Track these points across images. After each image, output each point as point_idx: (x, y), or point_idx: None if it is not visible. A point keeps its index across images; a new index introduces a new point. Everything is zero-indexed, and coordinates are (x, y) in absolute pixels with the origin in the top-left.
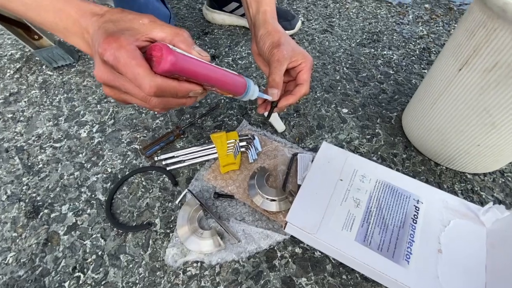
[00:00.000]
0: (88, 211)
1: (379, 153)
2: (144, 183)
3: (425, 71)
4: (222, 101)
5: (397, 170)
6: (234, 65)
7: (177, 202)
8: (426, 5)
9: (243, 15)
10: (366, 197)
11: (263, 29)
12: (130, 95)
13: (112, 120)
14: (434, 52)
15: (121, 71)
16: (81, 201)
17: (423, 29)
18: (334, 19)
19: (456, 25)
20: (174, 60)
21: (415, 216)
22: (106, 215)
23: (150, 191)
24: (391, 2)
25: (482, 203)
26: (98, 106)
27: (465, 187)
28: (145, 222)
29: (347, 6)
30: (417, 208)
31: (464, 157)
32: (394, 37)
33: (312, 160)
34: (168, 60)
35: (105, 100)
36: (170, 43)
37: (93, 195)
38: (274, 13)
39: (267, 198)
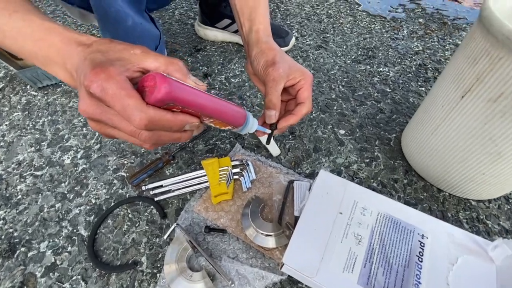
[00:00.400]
0: (69, 248)
1: (379, 178)
2: (130, 215)
3: (422, 88)
4: None
5: (399, 197)
6: (227, 84)
7: (165, 237)
8: (420, 20)
9: (236, 32)
10: (367, 233)
11: (256, 48)
12: (118, 130)
13: (98, 145)
14: (430, 68)
15: (109, 103)
16: (61, 237)
17: (418, 45)
18: (328, 35)
19: (450, 40)
20: (169, 88)
21: (421, 254)
22: (88, 254)
23: (137, 225)
24: (385, 16)
25: (488, 232)
26: (84, 129)
27: (470, 216)
28: (130, 261)
29: (341, 21)
30: (422, 244)
31: (468, 184)
32: (390, 53)
33: (310, 188)
34: (162, 88)
35: None
36: (164, 72)
37: (75, 230)
38: (268, 31)
39: (262, 233)
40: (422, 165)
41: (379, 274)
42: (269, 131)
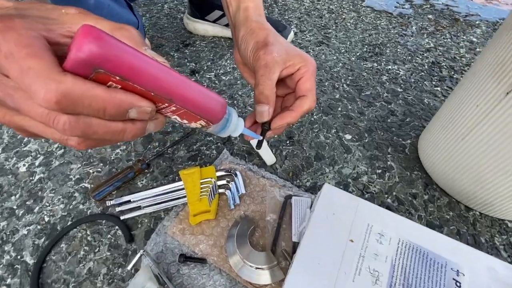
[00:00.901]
0: (8, 281)
1: (394, 193)
2: (89, 238)
3: (438, 88)
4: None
5: (419, 216)
6: (216, 81)
7: (129, 267)
8: (430, 16)
9: (227, 25)
10: (387, 268)
11: (244, 28)
12: (23, 114)
13: (62, 150)
14: (444, 66)
15: (3, 67)
16: (1, 266)
17: (430, 41)
18: (330, 30)
19: (464, 37)
20: (98, 44)
21: None
22: None
23: (96, 250)
24: (391, 12)
25: None
26: None
27: (507, 241)
28: None
29: (343, 17)
30: (458, 284)
31: (507, 202)
32: (398, 49)
33: (311, 206)
34: (86, 42)
35: None
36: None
37: (19, 256)
38: (260, 9)
39: (250, 265)
40: (446, 178)
41: None
42: (259, 137)
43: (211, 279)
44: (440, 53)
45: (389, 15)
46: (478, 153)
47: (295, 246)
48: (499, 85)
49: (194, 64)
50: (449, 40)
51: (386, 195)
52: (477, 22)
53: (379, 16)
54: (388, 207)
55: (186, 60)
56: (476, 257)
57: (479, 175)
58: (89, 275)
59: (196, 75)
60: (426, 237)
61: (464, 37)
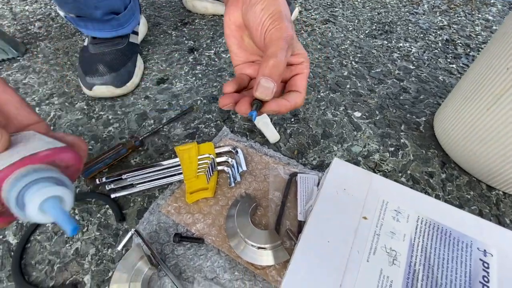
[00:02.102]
0: None
1: (409, 172)
2: (77, 217)
3: (453, 65)
4: (198, 102)
5: (437, 196)
6: (216, 59)
7: (119, 248)
8: None
9: None
10: (405, 247)
11: None
12: None
13: (52, 127)
14: (460, 44)
15: None
16: None
17: (443, 19)
18: (336, 9)
19: (479, 15)
20: None
21: (485, 279)
22: (11, 270)
23: (84, 230)
24: None
25: None
26: (37, 109)
27: None
28: (67, 282)
29: None
30: (486, 264)
31: None
32: (410, 27)
33: (319, 183)
34: None
35: (47, 101)
36: None
37: (0, 236)
38: None
39: (252, 245)
40: (466, 155)
41: None
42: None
43: (208, 260)
44: (454, 30)
45: None
46: (506, 123)
47: (301, 225)
48: None
49: (192, 42)
50: (463, 18)
51: (400, 174)
52: (492, 1)
53: None
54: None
55: (184, 38)
56: (505, 236)
57: (505, 149)
58: (76, 255)
59: (195, 52)
60: (448, 215)
61: (479, 15)
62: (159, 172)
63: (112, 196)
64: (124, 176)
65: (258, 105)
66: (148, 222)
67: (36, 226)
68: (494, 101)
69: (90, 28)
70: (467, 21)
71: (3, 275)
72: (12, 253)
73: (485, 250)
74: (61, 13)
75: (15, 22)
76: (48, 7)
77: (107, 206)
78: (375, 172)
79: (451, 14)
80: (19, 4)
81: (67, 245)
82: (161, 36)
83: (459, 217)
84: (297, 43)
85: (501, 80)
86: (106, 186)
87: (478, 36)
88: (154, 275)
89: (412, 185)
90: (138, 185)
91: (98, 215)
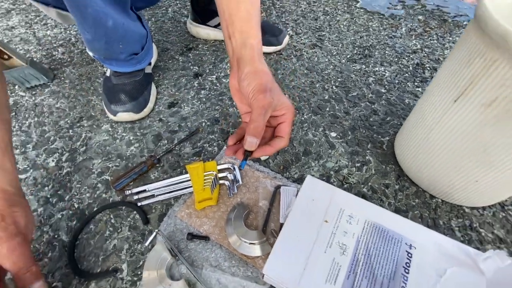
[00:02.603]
0: (49, 254)
1: (369, 183)
2: (112, 221)
3: (419, 89)
4: (203, 124)
5: (389, 203)
6: (217, 84)
7: (146, 244)
8: (420, 17)
9: None
10: (353, 242)
11: (249, 66)
12: None
13: (84, 147)
14: (428, 68)
15: None
16: (42, 243)
17: (417, 43)
18: (324, 33)
19: (450, 38)
20: None
21: (407, 265)
22: (68, 260)
23: (119, 231)
24: (383, 14)
25: (481, 241)
26: (70, 131)
27: (462, 223)
28: (110, 268)
29: (337, 19)
30: (409, 255)
31: (461, 192)
32: (387, 51)
33: (297, 195)
34: None
35: (78, 124)
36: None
37: (56, 236)
38: (261, 48)
39: (245, 242)
40: (414, 171)
41: (363, 286)
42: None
43: (213, 253)
44: (425, 54)
45: (381, 16)
46: (436, 150)
47: (281, 226)
48: (451, 92)
49: (197, 68)
50: (435, 41)
51: (362, 185)
52: (464, 23)
53: (371, 17)
54: (364, 196)
55: (190, 64)
56: (427, 235)
57: (438, 169)
58: (114, 250)
59: (199, 78)
60: (389, 219)
61: (450, 38)
62: (174, 185)
63: (139, 204)
64: (147, 189)
65: (248, 154)
66: (167, 225)
67: (82, 228)
68: (429, 131)
69: (114, 65)
70: (438, 44)
71: (62, 264)
72: (66, 249)
73: (410, 244)
74: (91, 54)
75: (40, 48)
76: (68, 32)
77: (135, 212)
78: (343, 184)
79: (425, 37)
80: (41, 29)
81: (107, 242)
82: (169, 61)
83: (395, 220)
84: (280, 99)
85: (432, 116)
86: (133, 196)
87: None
88: (174, 263)
89: (371, 194)
90: (158, 196)
91: (128, 219)
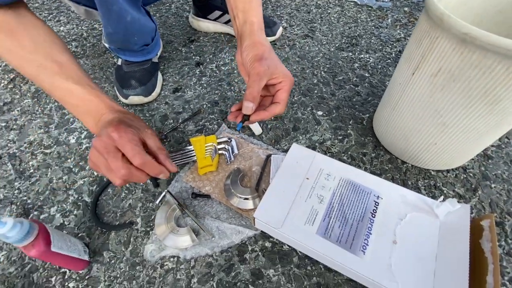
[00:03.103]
0: (75, 212)
1: (349, 153)
2: (127, 185)
3: None
4: (204, 106)
5: (365, 169)
6: (217, 71)
7: (157, 202)
8: (406, 9)
9: (226, 23)
10: (329, 194)
11: (248, 40)
12: (106, 163)
13: None
14: None
15: (119, 144)
16: (68, 203)
17: (401, 32)
18: (315, 24)
19: None
20: None
21: (374, 211)
22: (91, 216)
23: (133, 193)
24: (371, 6)
25: (443, 198)
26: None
27: (428, 183)
28: (127, 221)
29: (329, 11)
30: (376, 203)
31: (425, 155)
32: (372, 40)
33: None
34: None
35: None
36: (152, 148)
37: (80, 197)
38: (261, 25)
39: (240, 197)
40: (388, 140)
41: (336, 227)
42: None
43: (213, 208)
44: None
45: (370, 8)
46: (402, 118)
47: None
48: (409, 68)
49: (198, 57)
50: None
51: (343, 154)
52: None
53: (360, 10)
54: (343, 162)
55: (192, 54)
56: (393, 188)
57: (405, 135)
58: (130, 207)
59: (201, 66)
60: (360, 176)
61: None
62: (180, 156)
63: None
64: None
65: (246, 118)
66: (175, 187)
67: (102, 191)
68: (395, 103)
69: (127, 55)
70: None
71: (86, 219)
72: (89, 207)
73: (378, 196)
74: (106, 45)
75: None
76: (80, 27)
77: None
78: (326, 153)
79: (409, 27)
80: (55, 25)
81: (123, 201)
82: (173, 52)
83: (367, 178)
84: (277, 67)
85: (397, 90)
86: None
87: None
88: (180, 216)
89: (350, 161)
90: None
91: (141, 184)
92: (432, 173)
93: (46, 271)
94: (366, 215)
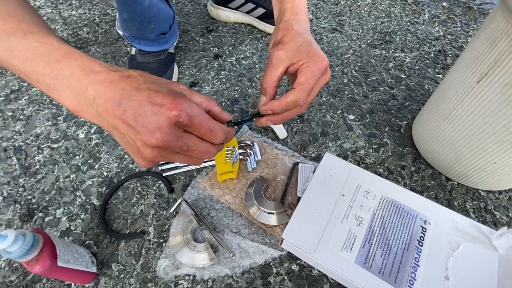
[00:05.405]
0: (82, 216)
1: (386, 164)
2: (139, 188)
3: (440, 76)
4: (223, 104)
5: (405, 184)
6: (237, 65)
7: (171, 210)
8: (444, 3)
9: (248, 12)
10: (369, 215)
11: (277, 27)
12: (183, 154)
13: None
14: (450, 55)
15: (195, 128)
16: (75, 206)
17: (440, 30)
18: (344, 17)
19: (475, 26)
20: None
21: (422, 238)
22: (99, 221)
23: (145, 198)
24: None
25: (495, 223)
26: None
27: (477, 205)
28: (138, 230)
29: (358, 4)
30: (424, 229)
31: (478, 173)
32: (408, 38)
33: (314, 171)
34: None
35: None
36: (206, 106)
37: (87, 200)
38: (295, 10)
39: (264, 211)
40: (431, 153)
41: (378, 255)
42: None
43: (233, 221)
44: (448, 41)
45: (404, 2)
46: (456, 130)
47: (299, 200)
48: (474, 74)
49: (217, 49)
50: (459, 28)
51: (379, 166)
52: (490, 10)
53: (393, 3)
54: (380, 176)
55: (210, 45)
56: (442, 211)
57: (457, 149)
58: (141, 214)
59: (219, 59)
60: (404, 196)
61: (475, 25)
62: None
63: (164, 174)
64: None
65: (257, 112)
66: (191, 194)
67: (112, 193)
68: (448, 113)
69: (142, 44)
70: (461, 32)
71: (93, 225)
72: (97, 211)
73: (425, 220)
74: (120, 32)
75: (66, 27)
76: (92, 12)
77: (160, 181)
78: (359, 164)
79: (449, 24)
80: (66, 9)
81: (134, 207)
82: (190, 42)
83: (412, 197)
84: (298, 50)
85: (453, 98)
86: (158, 167)
87: None
88: (197, 228)
89: (387, 174)
90: (182, 167)
91: (154, 187)
92: (482, 193)
93: (50, 282)
94: (412, 242)
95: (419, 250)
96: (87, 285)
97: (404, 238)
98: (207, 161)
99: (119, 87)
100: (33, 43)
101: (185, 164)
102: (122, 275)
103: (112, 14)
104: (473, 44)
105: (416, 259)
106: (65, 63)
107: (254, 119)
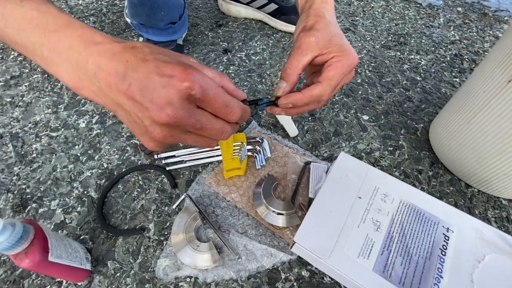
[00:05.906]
0: (79, 208)
1: (402, 168)
2: (141, 182)
3: (457, 79)
4: None
5: (422, 188)
6: (247, 61)
7: (174, 206)
8: (459, 9)
9: (260, 8)
10: (387, 220)
11: (305, 13)
12: (197, 133)
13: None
14: (467, 59)
15: (209, 102)
16: (72, 197)
17: (455, 34)
18: (357, 18)
19: (491, 32)
20: None
21: (444, 247)
22: (96, 215)
23: (147, 192)
24: (420, 3)
25: None
26: None
27: (499, 215)
28: (137, 226)
29: (372, 5)
30: (446, 237)
31: (503, 180)
32: (423, 40)
33: (327, 171)
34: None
35: None
36: (219, 82)
37: (85, 192)
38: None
39: (273, 211)
40: (451, 158)
41: (397, 263)
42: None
43: (240, 220)
44: (464, 46)
45: (418, 5)
46: (480, 134)
47: (310, 201)
48: (504, 73)
49: (226, 44)
50: (475, 34)
51: (394, 169)
52: (505, 18)
53: (407, 6)
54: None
55: (219, 39)
56: (466, 220)
57: (480, 155)
58: (142, 209)
59: (228, 54)
60: (425, 201)
61: (491, 31)
62: (202, 153)
63: (168, 168)
64: (176, 154)
65: (271, 100)
66: (195, 190)
67: (111, 186)
68: (472, 116)
69: (151, 33)
70: (477, 37)
71: (90, 219)
72: (95, 205)
73: (448, 228)
74: (128, 20)
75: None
76: (99, 2)
77: (163, 175)
78: (374, 166)
79: (464, 29)
80: None
81: (135, 201)
82: (199, 36)
83: (433, 202)
84: (331, 41)
85: (478, 100)
86: (162, 161)
87: (485, 53)
88: (201, 227)
89: (403, 178)
90: (188, 161)
91: (156, 182)
92: (503, 202)
93: (39, 278)
94: (434, 251)
95: (442, 259)
96: (79, 283)
97: (425, 246)
98: (212, 156)
99: (123, 59)
100: (30, 11)
101: (190, 158)
102: (118, 274)
103: (120, 5)
104: (502, 42)
105: (439, 270)
106: (63, 33)
107: (267, 107)
